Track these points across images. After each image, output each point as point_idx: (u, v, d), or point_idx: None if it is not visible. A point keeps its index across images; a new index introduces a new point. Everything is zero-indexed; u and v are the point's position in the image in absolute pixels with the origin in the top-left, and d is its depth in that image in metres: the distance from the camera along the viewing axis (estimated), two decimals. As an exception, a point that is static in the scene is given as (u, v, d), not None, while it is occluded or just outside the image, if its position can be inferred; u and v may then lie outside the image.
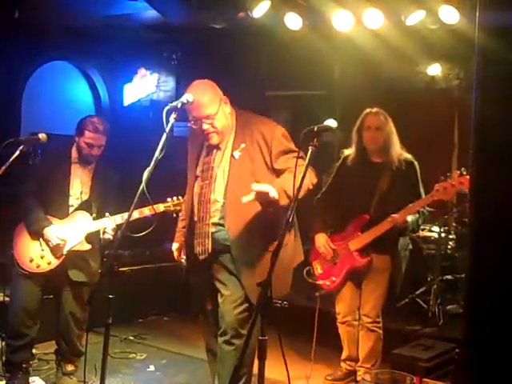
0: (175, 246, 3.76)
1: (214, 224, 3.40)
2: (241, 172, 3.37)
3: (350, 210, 4.45)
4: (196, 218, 3.46)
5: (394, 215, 4.20)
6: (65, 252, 4.13)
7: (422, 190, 4.35)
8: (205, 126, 3.35)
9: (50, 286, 4.27)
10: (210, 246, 3.40)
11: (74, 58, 7.99)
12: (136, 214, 4.02)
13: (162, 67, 8.14)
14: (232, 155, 3.40)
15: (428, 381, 3.95)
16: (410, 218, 4.24)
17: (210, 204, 3.40)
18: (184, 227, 3.67)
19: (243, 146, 3.39)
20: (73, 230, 4.14)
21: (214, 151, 3.46)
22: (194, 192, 3.51)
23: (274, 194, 3.12)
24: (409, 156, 4.42)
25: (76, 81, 8.27)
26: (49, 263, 4.13)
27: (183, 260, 3.68)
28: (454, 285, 5.73)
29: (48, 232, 4.08)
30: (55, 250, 4.13)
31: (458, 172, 4.05)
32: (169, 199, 4.17)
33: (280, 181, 3.28)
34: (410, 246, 4.63)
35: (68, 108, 7.81)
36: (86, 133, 4.16)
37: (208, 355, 3.73)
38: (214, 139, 3.41)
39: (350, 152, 4.55)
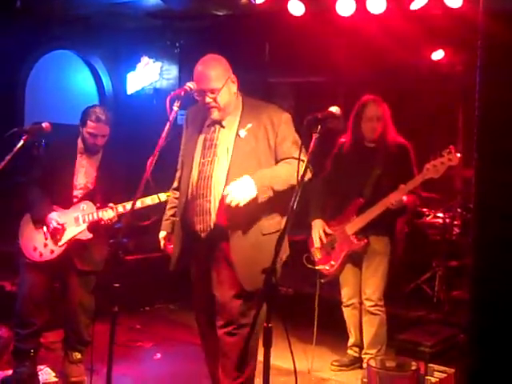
0: (162, 234, 3.67)
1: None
2: (245, 151, 3.34)
3: (346, 195, 4.51)
4: (195, 195, 3.37)
5: (387, 197, 4.25)
6: (65, 240, 4.15)
7: (415, 173, 4.36)
8: (207, 100, 3.32)
9: (56, 276, 4.30)
10: (211, 223, 3.33)
11: (77, 47, 7.97)
12: (138, 204, 4.00)
13: (165, 55, 8.12)
14: (237, 134, 3.36)
15: (433, 366, 3.96)
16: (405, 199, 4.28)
17: (212, 181, 3.34)
18: (173, 215, 3.61)
19: (250, 126, 3.36)
20: (75, 218, 4.16)
21: (218, 129, 3.41)
22: (191, 169, 3.42)
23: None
24: (402, 140, 4.48)
25: (79, 70, 8.26)
26: (52, 252, 4.15)
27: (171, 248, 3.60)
28: (459, 271, 5.73)
29: (49, 217, 4.11)
30: (55, 236, 4.14)
31: (447, 150, 4.11)
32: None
33: (259, 176, 3.23)
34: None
35: (71, 97, 7.81)
36: (89, 123, 4.16)
37: (204, 348, 3.65)
38: (215, 114, 3.37)
39: (345, 139, 4.60)
